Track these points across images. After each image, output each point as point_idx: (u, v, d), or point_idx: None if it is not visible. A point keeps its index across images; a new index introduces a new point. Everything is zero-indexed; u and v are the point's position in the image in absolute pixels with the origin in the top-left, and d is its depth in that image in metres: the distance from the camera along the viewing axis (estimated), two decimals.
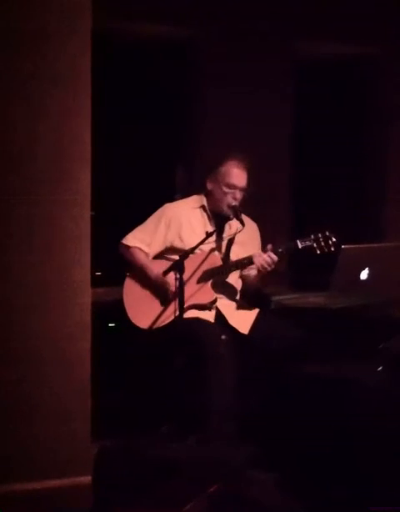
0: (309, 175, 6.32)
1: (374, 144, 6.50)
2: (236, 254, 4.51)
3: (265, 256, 4.32)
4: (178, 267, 4.13)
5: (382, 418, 3.74)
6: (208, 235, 4.36)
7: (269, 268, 4.33)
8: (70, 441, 3.84)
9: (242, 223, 4.38)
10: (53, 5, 3.73)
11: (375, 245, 4.87)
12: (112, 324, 4.92)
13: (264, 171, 5.63)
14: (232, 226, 4.51)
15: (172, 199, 4.83)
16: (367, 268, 4.43)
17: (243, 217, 4.46)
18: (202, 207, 4.55)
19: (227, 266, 4.46)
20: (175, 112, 5.89)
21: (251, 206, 4.54)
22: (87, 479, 3.71)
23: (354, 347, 4.27)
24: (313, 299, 4.66)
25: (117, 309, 4.55)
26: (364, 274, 4.44)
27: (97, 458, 3.60)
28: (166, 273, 4.27)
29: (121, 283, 4.58)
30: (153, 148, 5.81)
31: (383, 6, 6.06)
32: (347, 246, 4.32)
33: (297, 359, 4.23)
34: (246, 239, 4.51)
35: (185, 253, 4.21)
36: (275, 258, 4.32)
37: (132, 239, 4.53)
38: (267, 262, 4.31)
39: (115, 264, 4.66)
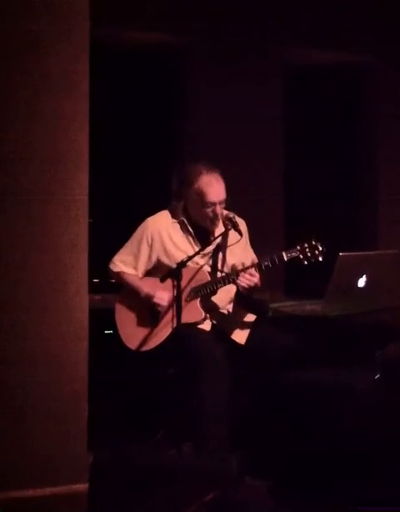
0: (302, 176, 6.33)
1: (366, 146, 6.53)
2: (227, 262, 4.46)
3: (247, 276, 4.30)
4: (176, 275, 4.12)
5: (377, 424, 3.74)
6: (204, 247, 4.34)
7: (253, 285, 4.30)
8: (66, 448, 3.84)
9: (240, 234, 4.35)
10: (49, 10, 3.74)
11: (371, 253, 4.88)
12: (109, 331, 4.91)
13: (257, 173, 5.66)
14: (229, 235, 4.46)
15: (168, 205, 4.82)
16: (364, 276, 4.43)
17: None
18: (181, 222, 4.43)
19: (214, 282, 4.37)
20: (170, 118, 5.90)
21: (245, 207, 4.54)
22: (83, 486, 3.70)
23: (350, 354, 4.27)
24: (310, 307, 4.66)
25: (113, 317, 4.55)
26: (362, 282, 4.44)
27: (93, 465, 3.59)
28: (163, 279, 4.24)
29: (117, 291, 4.58)
30: (149, 154, 5.82)
31: (375, 14, 6.10)
32: (343, 253, 4.32)
33: (293, 367, 4.23)
34: (234, 242, 4.41)
35: (183, 262, 4.17)
36: (256, 275, 4.28)
37: (119, 264, 4.48)
38: (249, 281, 4.30)
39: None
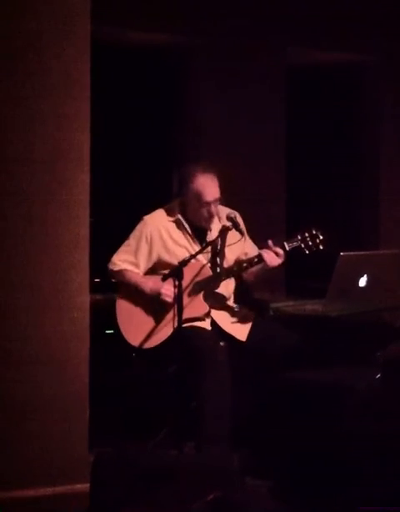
0: (304, 176, 6.34)
1: (367, 146, 6.54)
2: (227, 259, 4.46)
3: (271, 253, 4.28)
4: (177, 274, 4.12)
5: (377, 424, 3.75)
6: (207, 244, 4.34)
7: (276, 264, 4.28)
8: (67, 448, 3.84)
9: (242, 233, 4.35)
10: (50, 10, 3.75)
11: (372, 252, 4.88)
12: (110, 331, 4.91)
13: (260, 172, 5.67)
14: (230, 235, 4.46)
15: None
16: (365, 276, 4.43)
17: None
18: (177, 221, 4.45)
19: (218, 275, 4.40)
20: (171, 118, 5.92)
21: (246, 207, 4.54)
22: (84, 486, 3.70)
23: (351, 354, 4.27)
24: (311, 306, 4.66)
25: (114, 314, 4.55)
26: (363, 281, 4.44)
27: (95, 464, 3.59)
28: (165, 278, 4.24)
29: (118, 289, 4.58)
30: (150, 153, 5.83)
31: (376, 13, 6.12)
32: (345, 253, 4.32)
33: (294, 366, 4.23)
34: (234, 241, 4.41)
35: (184, 260, 4.18)
36: (281, 253, 4.28)
37: (119, 263, 4.46)
38: (276, 258, 4.29)
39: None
